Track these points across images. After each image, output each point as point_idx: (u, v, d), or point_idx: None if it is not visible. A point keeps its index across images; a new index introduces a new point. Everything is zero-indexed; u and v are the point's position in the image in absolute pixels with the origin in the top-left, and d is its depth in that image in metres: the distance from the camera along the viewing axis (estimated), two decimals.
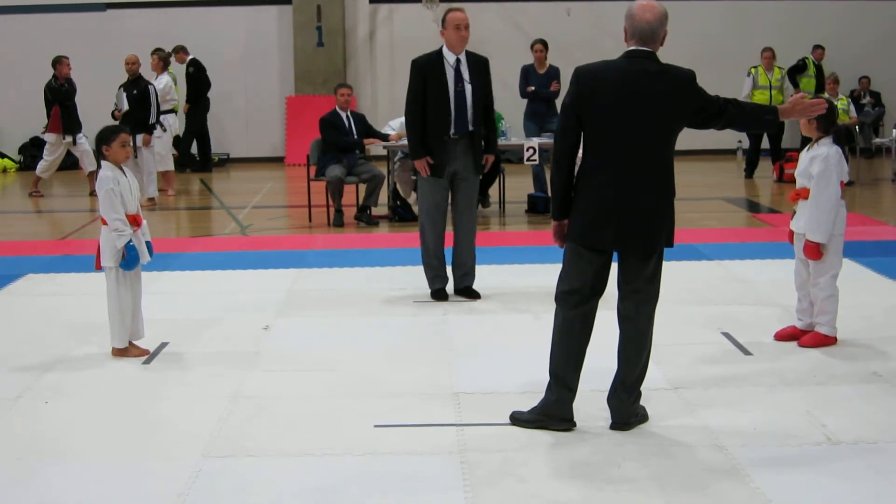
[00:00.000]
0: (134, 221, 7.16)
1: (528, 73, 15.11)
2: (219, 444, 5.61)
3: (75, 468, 5.33)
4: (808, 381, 6.55)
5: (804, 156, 7.29)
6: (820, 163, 7.09)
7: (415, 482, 5.09)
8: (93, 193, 16.36)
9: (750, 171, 18.24)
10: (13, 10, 21.44)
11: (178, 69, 19.39)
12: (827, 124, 7.17)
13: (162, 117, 16.45)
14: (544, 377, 5.72)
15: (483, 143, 8.89)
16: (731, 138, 21.23)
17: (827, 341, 7.27)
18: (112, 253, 7.13)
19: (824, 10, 22.04)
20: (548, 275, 8.32)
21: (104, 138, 7.16)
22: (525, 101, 15.15)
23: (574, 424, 5.70)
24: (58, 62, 16.71)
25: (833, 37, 21.24)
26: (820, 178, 7.09)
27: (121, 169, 7.19)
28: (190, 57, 20.30)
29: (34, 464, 5.39)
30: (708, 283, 9.37)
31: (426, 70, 8.71)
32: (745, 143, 18.90)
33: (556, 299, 5.69)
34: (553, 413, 5.69)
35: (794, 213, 7.40)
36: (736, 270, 9.88)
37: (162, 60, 16.97)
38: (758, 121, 5.82)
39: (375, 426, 5.78)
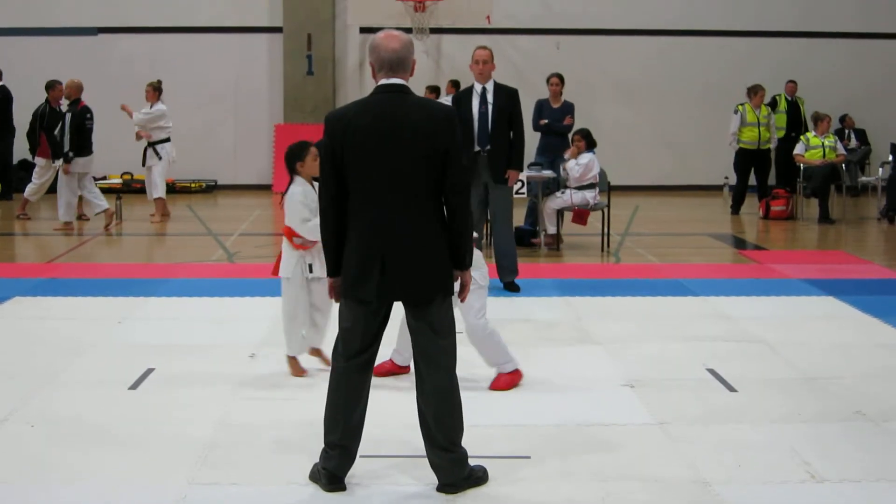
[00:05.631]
0: None
1: (541, 107, 15.06)
2: (204, 471, 5.61)
3: (61, 493, 5.33)
4: (792, 418, 6.57)
5: None
6: None
7: None
8: (80, 217, 16.40)
9: (736, 208, 18.30)
10: (4, 32, 21.42)
11: None
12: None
13: (159, 146, 16.51)
14: (524, 411, 5.70)
15: (507, 159, 10.44)
16: (718, 174, 21.34)
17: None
18: (291, 264, 7.48)
19: (813, 48, 22.18)
20: (530, 307, 8.36)
21: (296, 155, 7.40)
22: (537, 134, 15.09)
23: (343, 486, 5.39)
24: (51, 87, 16.69)
25: (820, 75, 21.43)
26: None
27: (311, 183, 7.40)
28: None
29: (20, 488, 5.39)
30: (693, 319, 9.40)
31: (460, 96, 10.74)
32: (732, 180, 18.98)
33: (332, 354, 5.47)
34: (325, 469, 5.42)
35: None
36: (721, 307, 9.91)
37: (156, 90, 16.88)
38: (458, 237, 5.28)
39: (360, 456, 5.79)
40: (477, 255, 7.04)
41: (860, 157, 21.56)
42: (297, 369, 7.58)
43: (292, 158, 7.40)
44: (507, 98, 10.44)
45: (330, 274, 5.38)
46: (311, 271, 7.50)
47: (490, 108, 10.37)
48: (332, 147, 5.20)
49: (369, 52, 5.33)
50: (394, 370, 7.48)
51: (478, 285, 6.98)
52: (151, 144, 16.58)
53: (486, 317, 7.16)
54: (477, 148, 10.41)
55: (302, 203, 7.34)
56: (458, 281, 5.41)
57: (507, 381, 7.21)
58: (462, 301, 5.51)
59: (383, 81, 5.27)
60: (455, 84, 21.17)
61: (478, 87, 10.48)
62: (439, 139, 5.15)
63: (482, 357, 7.24)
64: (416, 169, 5.15)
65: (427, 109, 5.26)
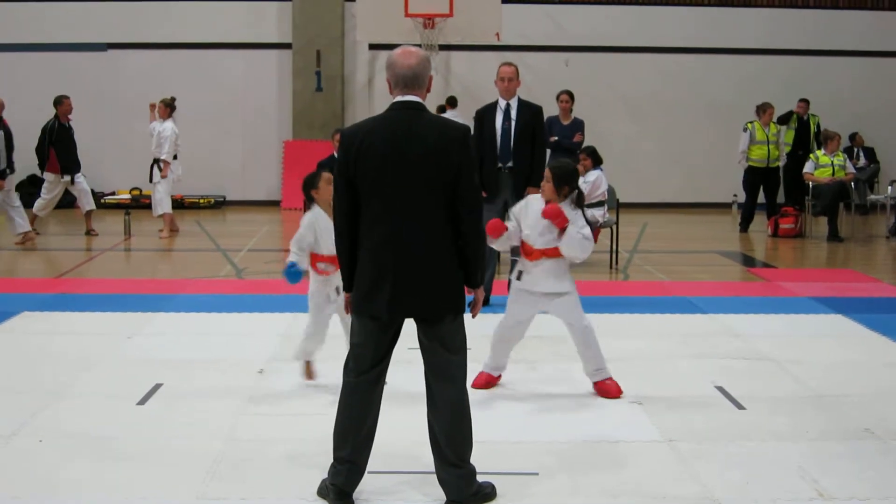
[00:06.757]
0: (333, 261, 7.40)
1: (551, 124, 15.03)
2: (212, 486, 5.61)
3: None
4: (800, 436, 6.56)
5: None
6: None
7: None
8: (89, 233, 16.45)
9: (745, 225, 18.29)
10: (13, 48, 21.51)
11: None
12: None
13: (165, 164, 16.58)
14: (533, 427, 5.70)
15: (527, 176, 10.26)
16: (727, 192, 21.36)
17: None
18: (313, 288, 7.62)
19: (822, 66, 22.22)
20: (544, 324, 8.35)
21: (310, 183, 7.50)
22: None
23: (352, 502, 5.40)
24: (59, 102, 16.74)
25: (829, 93, 21.46)
26: None
27: (327, 209, 7.45)
28: None
29: (28, 503, 5.39)
30: (702, 337, 9.38)
31: (483, 112, 10.61)
32: (741, 197, 18.97)
33: (343, 369, 5.45)
34: (334, 483, 5.42)
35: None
36: (730, 324, 9.89)
37: (168, 107, 16.91)
38: (472, 253, 5.31)
39: (368, 472, 5.79)
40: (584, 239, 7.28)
41: (869, 175, 21.57)
42: (309, 372, 7.80)
43: (307, 187, 7.53)
44: (530, 115, 10.51)
45: (345, 289, 5.43)
46: (337, 294, 7.52)
47: (513, 124, 10.42)
48: (346, 162, 5.23)
49: (386, 68, 5.36)
50: (491, 381, 7.62)
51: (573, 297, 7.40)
52: (157, 161, 16.63)
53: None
54: (499, 164, 10.44)
55: (305, 226, 7.51)
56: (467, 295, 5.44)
57: (614, 387, 7.48)
58: (474, 317, 5.50)
59: (398, 98, 5.30)
60: (451, 100, 21.18)
61: (501, 103, 10.53)
62: (452, 157, 5.17)
63: (585, 363, 7.51)
64: (428, 186, 5.16)
65: (441, 127, 5.27)
